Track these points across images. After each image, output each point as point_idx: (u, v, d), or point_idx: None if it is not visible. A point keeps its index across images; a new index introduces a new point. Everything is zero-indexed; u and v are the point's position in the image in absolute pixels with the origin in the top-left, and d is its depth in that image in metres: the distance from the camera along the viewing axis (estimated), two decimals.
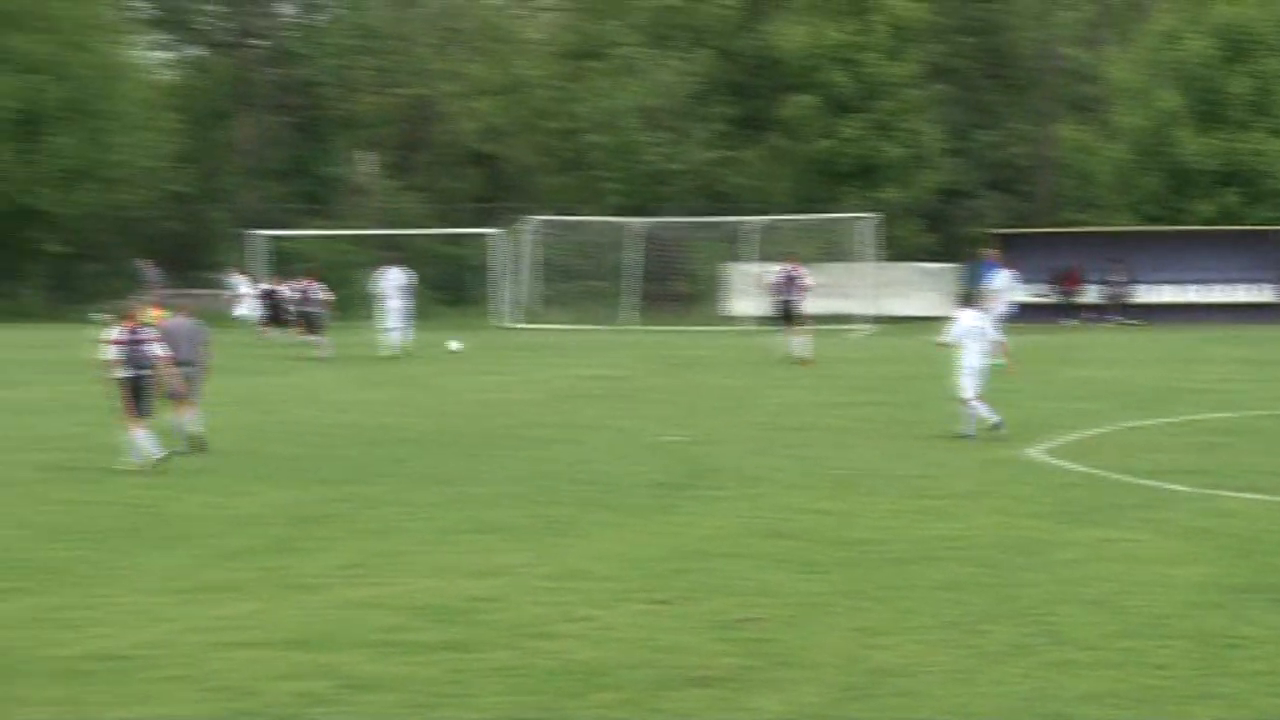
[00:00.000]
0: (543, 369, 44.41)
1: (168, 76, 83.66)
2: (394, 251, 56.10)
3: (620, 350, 51.19)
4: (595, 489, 23.38)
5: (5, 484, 24.08)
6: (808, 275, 46.29)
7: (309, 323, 49.67)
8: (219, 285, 65.32)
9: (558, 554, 18.69)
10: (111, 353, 25.35)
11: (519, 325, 63.90)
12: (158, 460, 25.11)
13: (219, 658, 14.24)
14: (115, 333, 25.53)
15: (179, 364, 26.77)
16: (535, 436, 29.55)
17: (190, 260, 73.67)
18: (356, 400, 36.54)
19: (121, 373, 25.30)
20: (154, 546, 19.34)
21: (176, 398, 27.15)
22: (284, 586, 17.09)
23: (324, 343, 48.12)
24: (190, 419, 27.56)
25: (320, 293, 49.70)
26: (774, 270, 48.28)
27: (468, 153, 78.40)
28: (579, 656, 14.23)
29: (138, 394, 25.37)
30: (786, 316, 45.90)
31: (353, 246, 68.19)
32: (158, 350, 25.64)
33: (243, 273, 63.71)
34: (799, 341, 45.20)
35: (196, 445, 27.30)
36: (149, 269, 65.60)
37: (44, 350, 50.83)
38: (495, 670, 13.78)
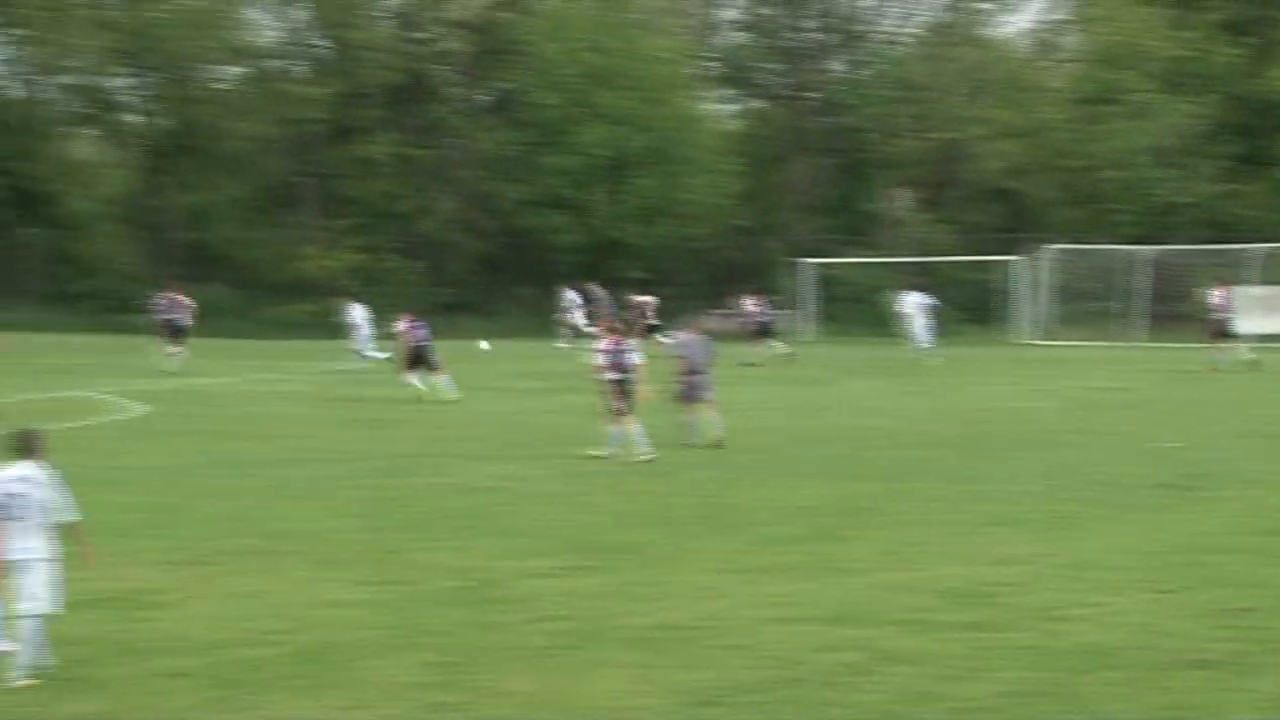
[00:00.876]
0: (1057, 380, 43.48)
1: (732, 126, 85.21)
2: (923, 277, 55.87)
3: (1127, 365, 49.74)
4: (1101, 489, 22.79)
5: (590, 476, 24.72)
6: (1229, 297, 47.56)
7: (763, 333, 51.56)
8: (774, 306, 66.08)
9: (1069, 546, 18.29)
10: (601, 360, 26.82)
11: (1036, 342, 62.88)
12: (645, 457, 25.88)
13: (770, 630, 14.34)
14: (603, 344, 27.06)
15: (693, 372, 28.02)
16: (1048, 441, 28.97)
17: (744, 286, 75.14)
18: (889, 407, 36.39)
19: (609, 376, 26.57)
20: (714, 532, 19.60)
21: (691, 401, 28.12)
22: (827, 569, 17.11)
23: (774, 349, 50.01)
24: (710, 420, 28.17)
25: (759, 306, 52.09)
26: (1219, 293, 48.01)
27: (992, 189, 77.60)
28: (1089, 639, 13.91)
29: (621, 395, 26.46)
30: (1224, 333, 46.68)
31: (887, 272, 68.16)
32: (636, 359, 26.83)
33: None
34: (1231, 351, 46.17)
35: (714, 443, 27.77)
36: (598, 291, 66.88)
37: None
38: (1013, 649, 13.56)
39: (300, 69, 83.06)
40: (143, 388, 38.61)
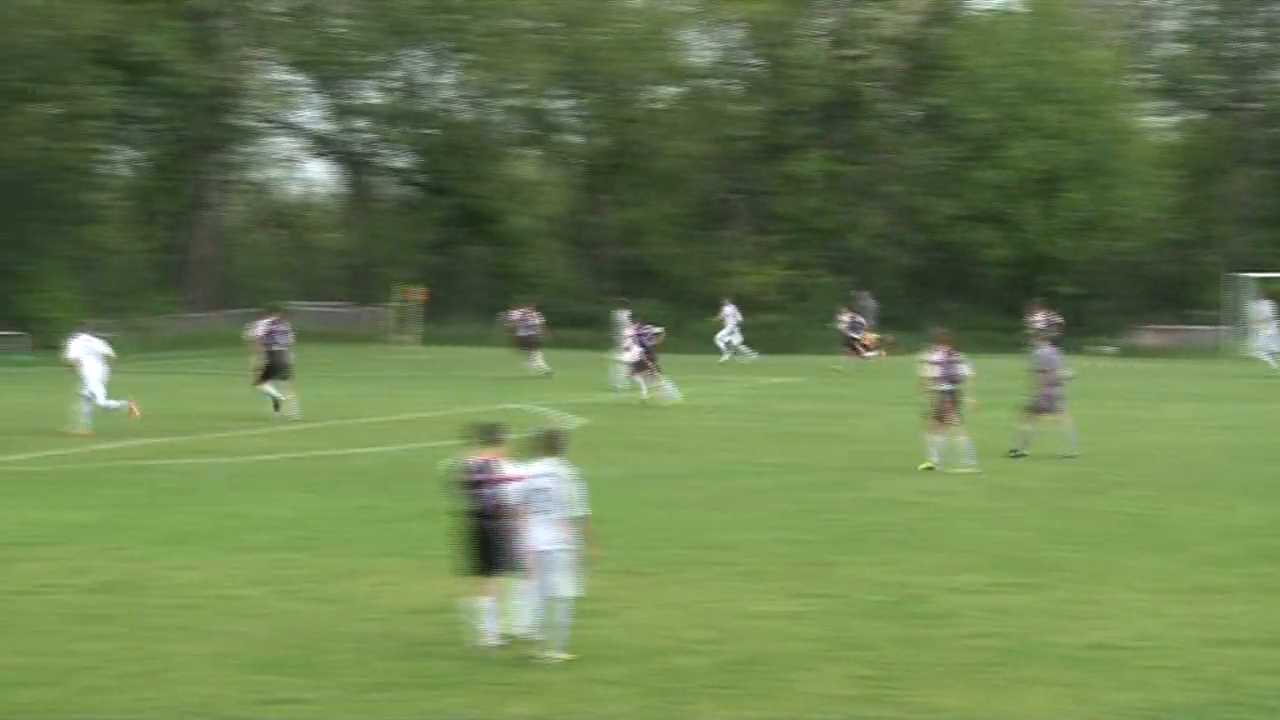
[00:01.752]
0: None
1: (1168, 138, 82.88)
2: None
3: None
4: None
5: (1017, 491, 24.36)
6: None
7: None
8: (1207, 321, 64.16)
9: None
10: (932, 372, 26.93)
11: None
12: (969, 470, 26.08)
13: (1205, 652, 13.91)
14: (936, 356, 27.11)
15: (1051, 385, 28.38)
16: None
17: (1179, 300, 73.30)
18: None
19: (937, 388, 26.75)
20: (1146, 550, 19.10)
21: (1045, 412, 28.38)
22: (1265, 591, 16.50)
23: None
24: (1064, 432, 28.34)
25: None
26: None
27: None
28: None
29: (949, 406, 26.64)
30: None
31: None
32: (966, 370, 26.98)
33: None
34: None
35: (1065, 455, 27.96)
36: (867, 300, 65.47)
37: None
38: None
39: (734, 87, 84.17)
40: (578, 400, 39.61)
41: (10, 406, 38.69)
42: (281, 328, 36.70)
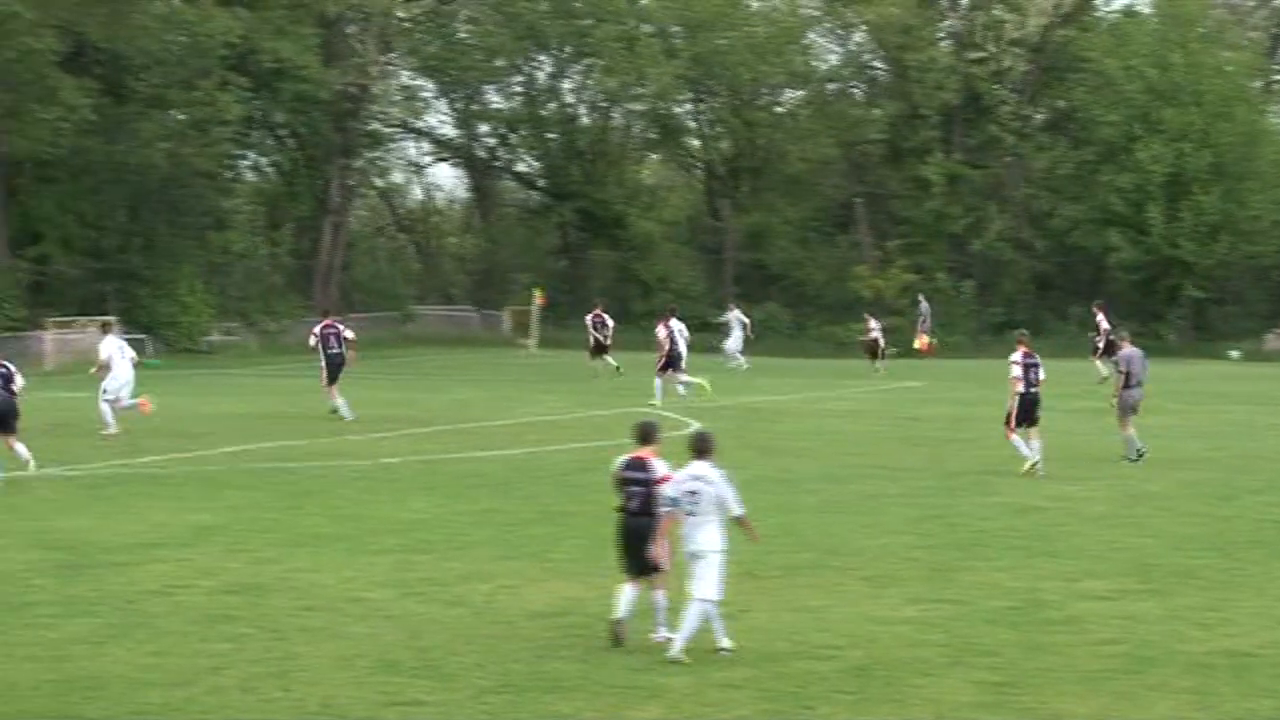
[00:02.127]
0: None
1: None
2: None
3: None
4: None
5: (1143, 497, 24.03)
6: None
7: None
8: None
9: None
10: (1015, 372, 26.71)
11: None
12: (1034, 468, 26.17)
13: None
14: (1017, 356, 26.88)
15: (1132, 386, 28.18)
16: None
17: None
18: None
19: (1020, 389, 26.54)
20: (1276, 556, 18.79)
21: (1131, 413, 28.23)
22: None
23: None
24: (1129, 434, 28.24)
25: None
26: None
27: None
28: None
29: (1029, 407, 26.59)
30: None
31: None
32: (1042, 374, 26.91)
33: None
34: None
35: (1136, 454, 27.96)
36: (923, 303, 65.25)
37: (1182, 383, 50.51)
38: None
39: (858, 91, 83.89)
40: (699, 405, 39.56)
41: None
42: (335, 329, 37.11)
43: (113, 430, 32.40)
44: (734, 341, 58.20)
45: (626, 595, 14.22)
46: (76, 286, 64.55)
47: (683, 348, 42.77)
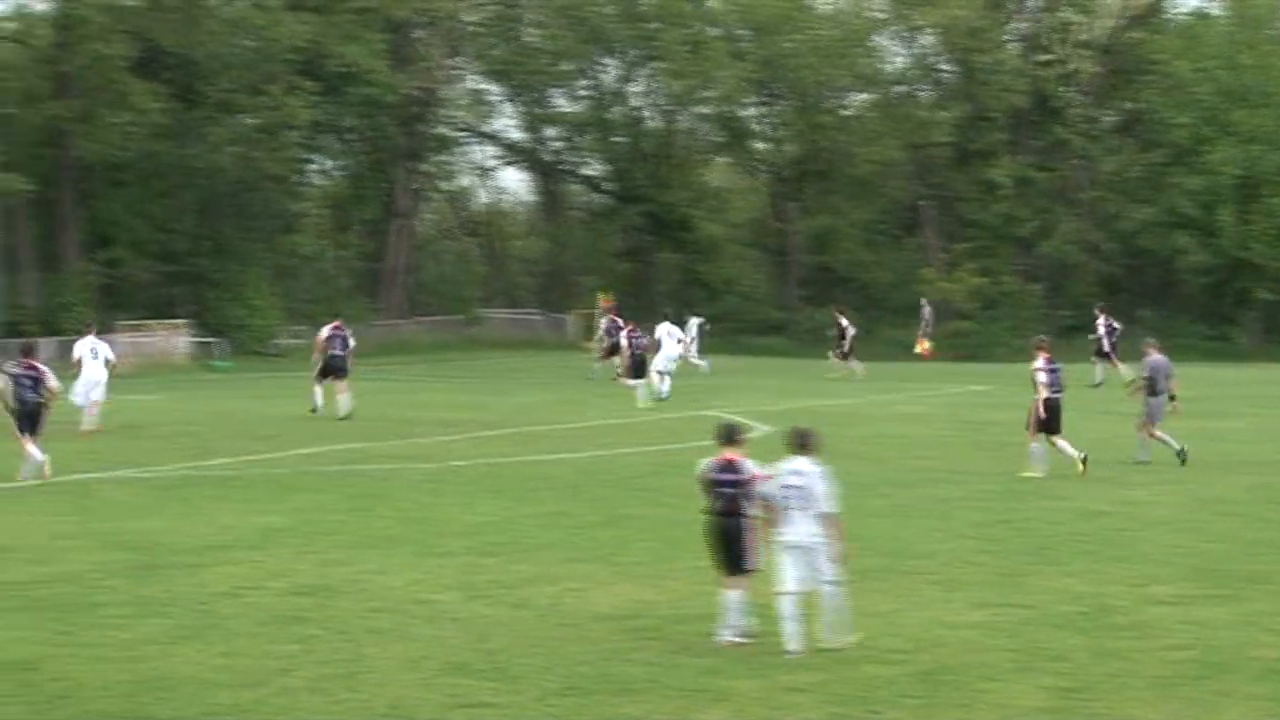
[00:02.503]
0: None
1: None
2: None
3: None
4: None
5: (1209, 502, 23.86)
6: None
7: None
8: None
9: None
10: (1041, 378, 26.89)
11: None
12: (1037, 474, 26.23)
13: None
14: (1040, 363, 27.07)
15: (1158, 393, 28.38)
16: None
17: None
18: None
19: (1046, 394, 26.74)
20: None
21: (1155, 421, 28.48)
22: None
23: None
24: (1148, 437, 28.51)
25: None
26: None
27: None
28: None
29: (1055, 412, 26.89)
30: None
31: None
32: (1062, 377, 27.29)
33: None
34: None
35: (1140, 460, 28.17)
36: (925, 307, 64.86)
37: (1253, 386, 50.13)
38: None
39: (926, 93, 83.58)
40: (767, 408, 39.51)
41: (209, 411, 39.55)
42: (342, 333, 38.46)
43: (89, 428, 32.76)
44: (693, 346, 57.14)
45: (734, 601, 14.41)
46: (147, 289, 65.20)
47: (672, 349, 44.97)
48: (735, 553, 14.33)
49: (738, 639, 14.27)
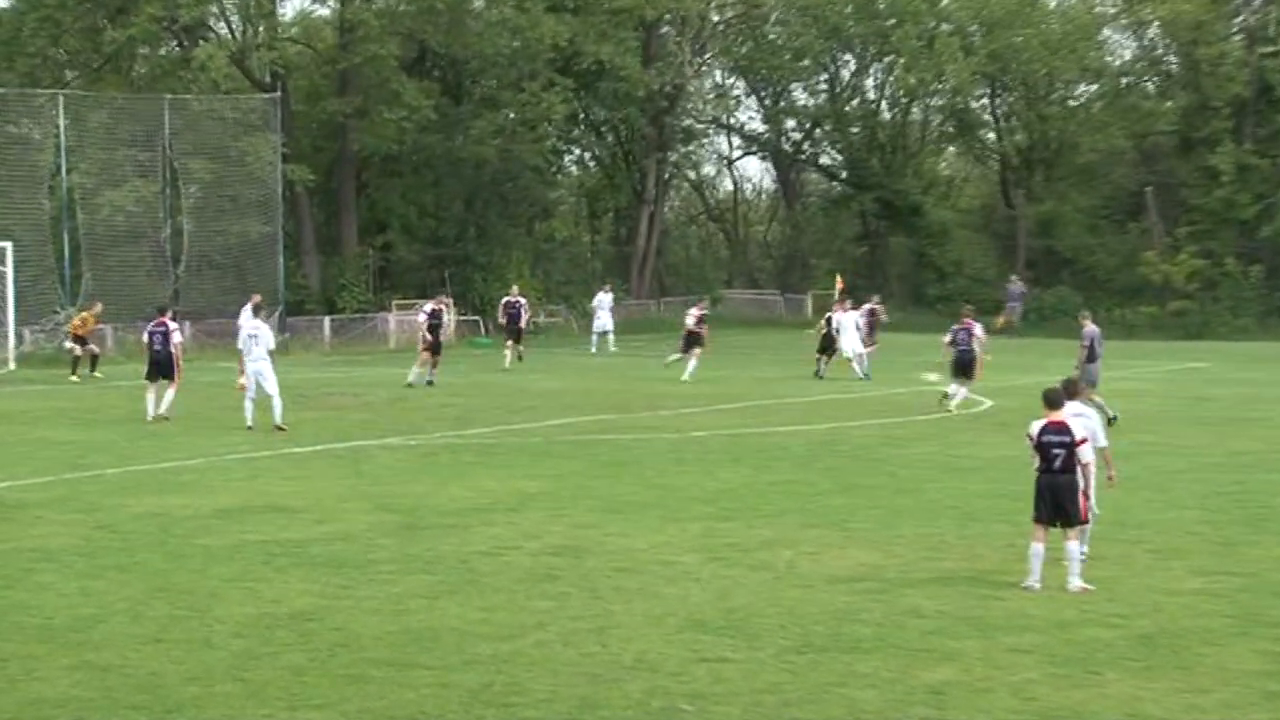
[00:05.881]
0: None
1: None
2: None
3: None
4: None
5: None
6: None
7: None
8: None
9: None
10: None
11: None
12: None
13: None
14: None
15: (1092, 360, 29.68)
16: None
17: None
18: None
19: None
20: None
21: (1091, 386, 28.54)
22: None
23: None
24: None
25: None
26: None
27: None
28: None
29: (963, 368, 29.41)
30: None
31: None
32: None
33: None
34: None
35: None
36: (1016, 284, 64.52)
37: None
38: None
39: (1150, 84, 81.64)
40: (991, 384, 38.93)
41: (472, 384, 40.18)
42: (438, 308, 40.33)
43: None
44: (602, 322, 55.85)
45: (1038, 556, 14.89)
46: (416, 271, 66.41)
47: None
48: (1073, 506, 14.89)
49: (1086, 585, 14.79)
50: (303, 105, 65.24)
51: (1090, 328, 30.64)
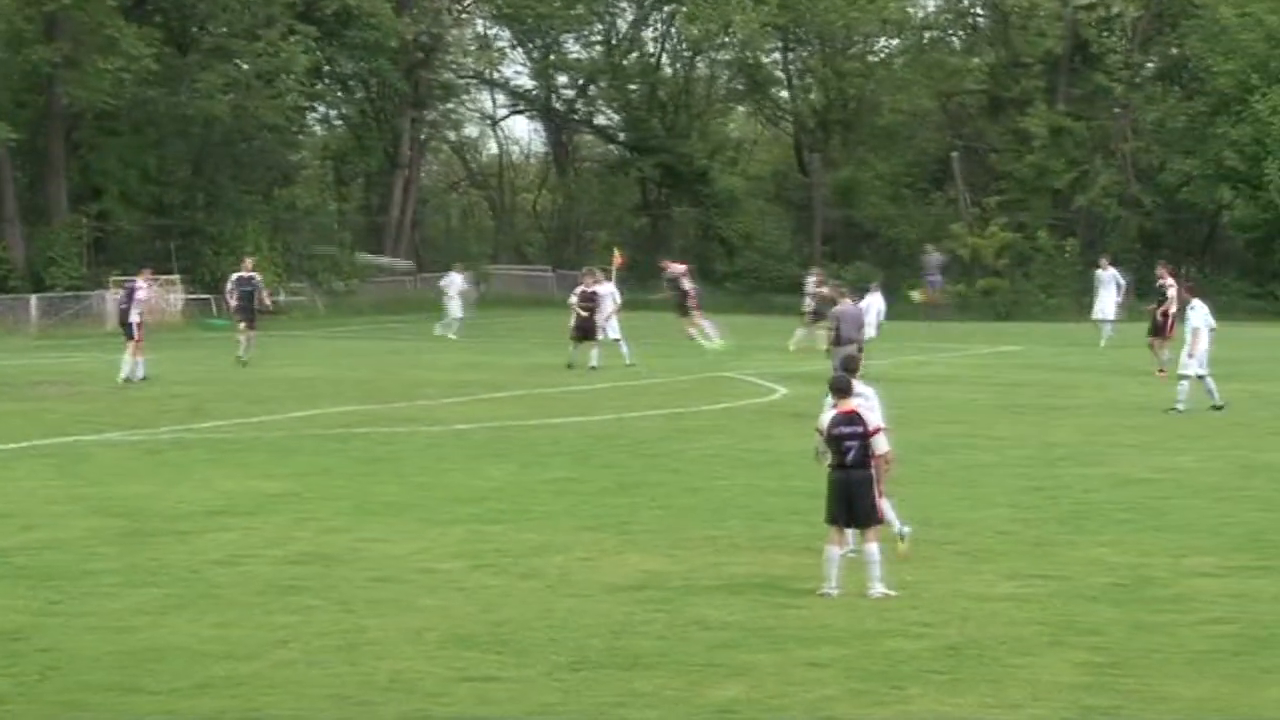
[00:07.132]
0: None
1: None
2: None
3: None
4: None
5: (1259, 469, 23.80)
6: None
7: None
8: None
9: None
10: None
11: None
12: None
13: None
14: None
15: (843, 343, 30.74)
16: None
17: None
18: None
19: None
20: None
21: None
22: None
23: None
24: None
25: None
26: None
27: None
28: None
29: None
30: None
31: None
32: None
33: None
34: None
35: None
36: (932, 254, 66.97)
37: None
38: None
39: (956, 39, 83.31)
40: (783, 370, 39.50)
41: (206, 372, 39.61)
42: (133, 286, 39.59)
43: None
44: (455, 307, 55.38)
45: (834, 560, 15.07)
46: (139, 243, 65.20)
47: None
48: (868, 505, 15.02)
49: (888, 591, 15.00)
50: (2, 53, 63.51)
51: (844, 306, 33.55)
